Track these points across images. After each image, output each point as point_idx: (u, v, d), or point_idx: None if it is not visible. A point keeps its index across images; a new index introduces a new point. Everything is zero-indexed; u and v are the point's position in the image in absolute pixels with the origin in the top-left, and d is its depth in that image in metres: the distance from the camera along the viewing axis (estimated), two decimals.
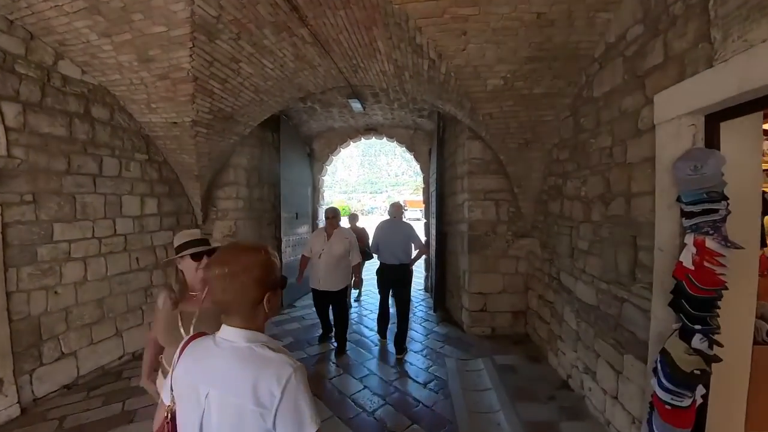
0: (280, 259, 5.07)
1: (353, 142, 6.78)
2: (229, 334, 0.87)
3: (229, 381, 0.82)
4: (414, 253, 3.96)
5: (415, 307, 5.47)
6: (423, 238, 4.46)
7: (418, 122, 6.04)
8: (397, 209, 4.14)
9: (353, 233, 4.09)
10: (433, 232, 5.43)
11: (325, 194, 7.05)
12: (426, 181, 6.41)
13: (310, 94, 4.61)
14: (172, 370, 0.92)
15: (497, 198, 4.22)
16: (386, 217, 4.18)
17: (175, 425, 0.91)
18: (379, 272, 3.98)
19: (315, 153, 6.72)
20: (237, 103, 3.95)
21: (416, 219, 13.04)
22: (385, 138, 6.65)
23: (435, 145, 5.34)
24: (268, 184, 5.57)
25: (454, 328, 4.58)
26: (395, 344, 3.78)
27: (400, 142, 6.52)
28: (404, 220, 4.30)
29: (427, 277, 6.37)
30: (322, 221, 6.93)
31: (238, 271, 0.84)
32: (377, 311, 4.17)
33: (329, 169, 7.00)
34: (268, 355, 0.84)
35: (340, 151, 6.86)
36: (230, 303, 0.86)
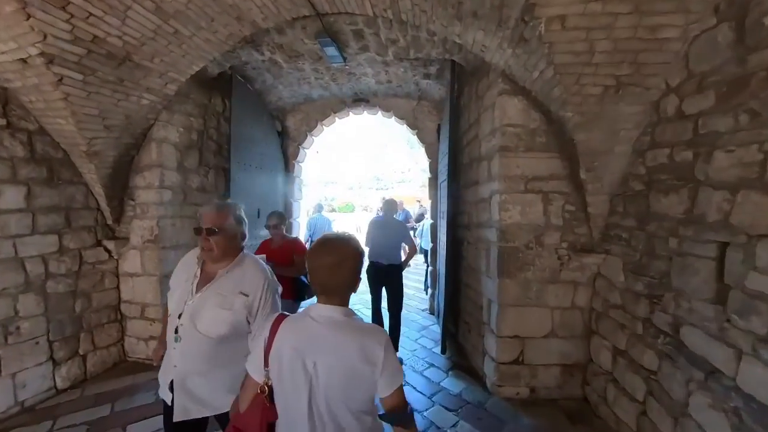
0: None
1: (339, 117, 5.24)
2: (327, 310, 1.03)
3: (338, 348, 0.98)
4: (404, 255, 3.74)
5: (416, 341, 3.94)
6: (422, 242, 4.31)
7: (422, 87, 4.48)
8: (391, 206, 3.79)
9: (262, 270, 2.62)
10: (442, 238, 3.89)
11: (303, 186, 5.53)
12: (433, 169, 4.85)
13: (262, 32, 3.08)
14: (267, 351, 1.02)
15: (547, 189, 2.66)
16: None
17: (272, 399, 1.02)
18: (369, 272, 3.59)
19: (289, 131, 5.19)
20: (130, 33, 2.44)
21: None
22: (379, 112, 5.09)
23: (447, 115, 3.77)
24: (216, 168, 4.06)
25: (472, 385, 3.05)
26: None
27: (400, 117, 4.96)
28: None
29: (432, 295, 4.84)
30: (298, 220, 5.42)
31: (343, 260, 1.02)
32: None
33: (308, 153, 5.47)
34: (363, 324, 1.05)
35: (322, 129, 5.32)
36: (335, 287, 1.03)
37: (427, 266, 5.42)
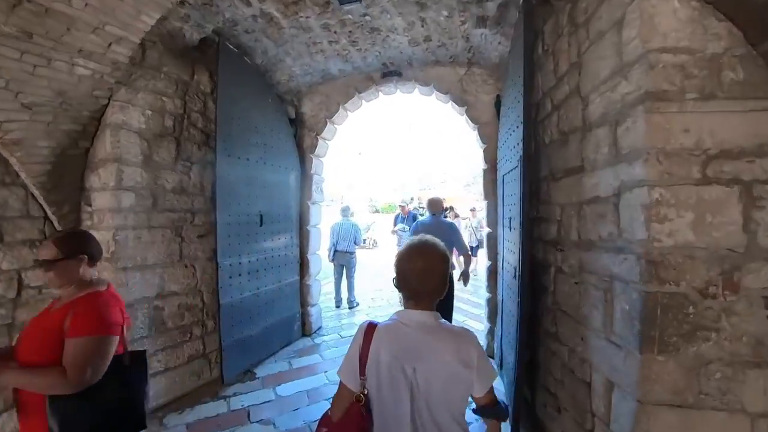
0: (218, 301, 2.67)
1: (365, 98, 4.14)
2: (418, 315, 1.03)
3: (435, 353, 0.98)
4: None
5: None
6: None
7: (474, 44, 3.21)
8: (436, 205, 3.43)
9: None
10: (509, 256, 2.60)
11: (324, 183, 4.50)
12: (490, 157, 3.55)
13: None
14: (363, 359, 1.02)
15: (750, 177, 1.29)
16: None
17: (369, 408, 1.00)
18: None
19: (305, 119, 4.20)
20: None
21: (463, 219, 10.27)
22: (416, 87, 3.91)
23: (517, 72, 2.47)
24: (203, 164, 3.15)
25: None
26: None
27: (443, 91, 3.73)
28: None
29: (491, 331, 3.53)
30: (317, 226, 4.40)
31: (433, 265, 1.02)
32: None
33: (329, 145, 4.43)
34: (454, 328, 1.07)
35: (346, 115, 4.26)
36: (426, 291, 1.03)
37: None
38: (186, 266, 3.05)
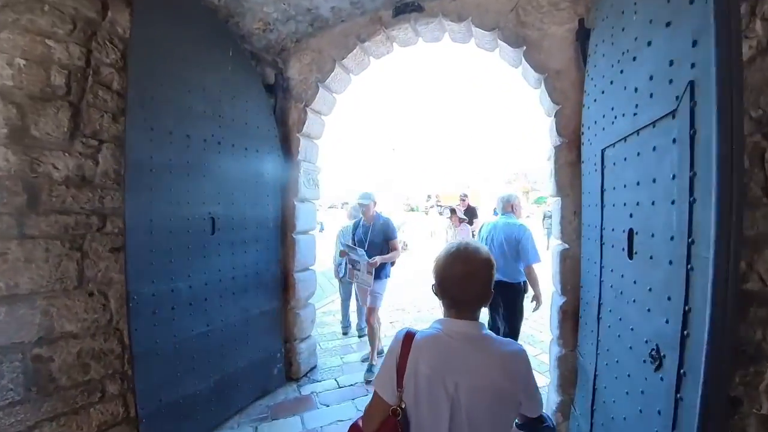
0: (131, 350, 1.79)
1: (373, 53, 2.93)
2: (461, 326, 0.95)
3: (479, 366, 0.90)
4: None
5: None
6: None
7: None
8: (506, 204, 2.90)
9: None
10: (635, 313, 1.25)
11: (319, 176, 3.34)
12: (566, 126, 2.15)
13: None
14: (401, 371, 0.95)
15: None
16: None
17: (406, 423, 0.94)
18: None
19: (291, 86, 3.06)
20: None
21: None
22: (445, 27, 2.62)
23: None
24: (118, 143, 2.11)
25: None
26: None
27: (486, 25, 2.40)
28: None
29: (563, 406, 2.15)
30: (308, 234, 3.26)
31: (475, 271, 0.94)
32: None
33: (325, 122, 3.26)
34: (499, 339, 0.96)
35: (348, 78, 3.09)
36: (467, 299, 0.96)
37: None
38: (91, 294, 2.03)
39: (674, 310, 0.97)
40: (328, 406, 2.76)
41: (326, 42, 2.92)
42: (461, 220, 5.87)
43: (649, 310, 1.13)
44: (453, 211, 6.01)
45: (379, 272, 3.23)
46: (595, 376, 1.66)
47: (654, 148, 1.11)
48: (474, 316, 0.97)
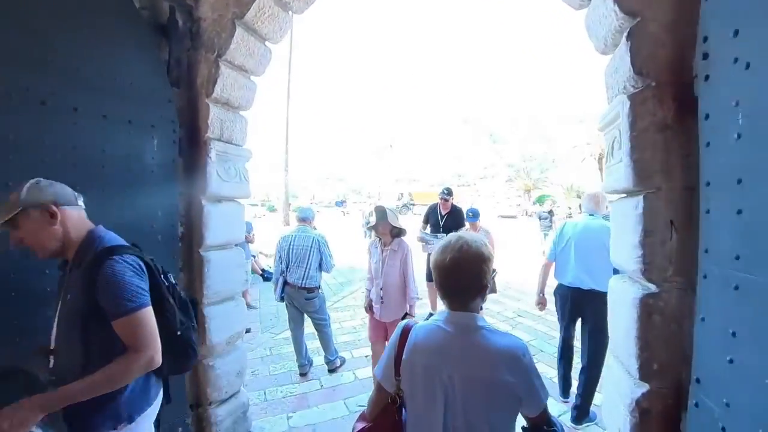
0: None
1: None
2: (457, 317, 0.95)
3: (474, 359, 0.90)
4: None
5: None
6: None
7: None
8: (594, 201, 2.68)
9: None
10: None
11: (247, 165, 2.31)
12: (663, 45, 1.10)
13: None
14: (398, 359, 0.97)
15: None
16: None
17: (401, 410, 0.98)
18: (558, 299, 2.73)
19: (201, 30, 2.04)
20: None
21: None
22: None
23: None
24: None
25: None
26: (574, 407, 2.51)
27: None
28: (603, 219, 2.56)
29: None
30: (226, 249, 2.24)
31: (462, 260, 0.93)
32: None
33: (257, 86, 2.23)
34: (499, 333, 0.94)
35: (286, 15, 2.06)
36: (456, 289, 0.96)
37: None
38: None
39: None
40: None
41: None
42: (392, 235, 2.79)
43: None
44: (374, 228, 2.76)
45: None
46: None
47: None
48: (469, 308, 0.96)
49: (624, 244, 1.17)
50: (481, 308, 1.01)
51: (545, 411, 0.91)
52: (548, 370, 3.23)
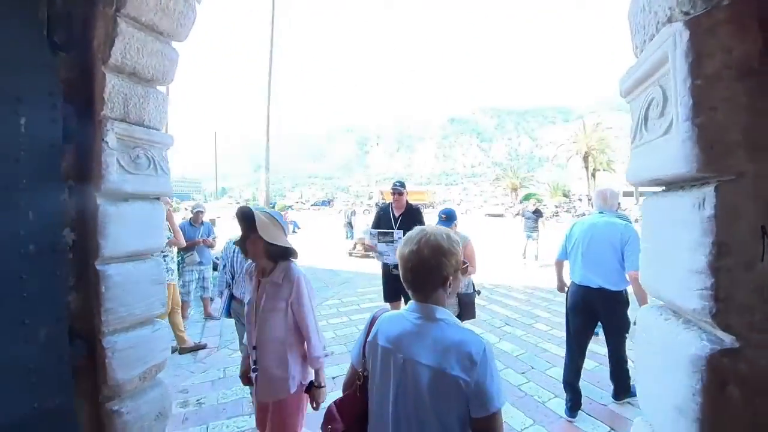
0: None
1: None
2: (417, 308, 0.99)
3: (426, 348, 0.92)
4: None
5: None
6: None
7: None
8: (602, 198, 2.66)
9: None
10: None
11: (169, 150, 1.86)
12: None
13: None
14: (366, 340, 1.07)
15: None
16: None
17: (365, 388, 1.06)
18: (569, 299, 2.65)
19: None
20: None
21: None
22: None
23: None
24: None
25: None
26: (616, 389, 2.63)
27: None
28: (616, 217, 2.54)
29: None
30: (129, 258, 1.75)
31: (422, 253, 0.95)
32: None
33: (177, 49, 1.76)
34: (458, 327, 0.95)
35: None
36: (417, 282, 0.98)
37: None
38: None
39: None
40: None
41: None
42: (270, 258, 1.81)
43: None
44: (243, 240, 1.79)
45: None
46: None
47: None
48: (430, 299, 0.98)
49: (673, 267, 0.75)
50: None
51: (493, 418, 0.88)
52: (540, 393, 2.84)
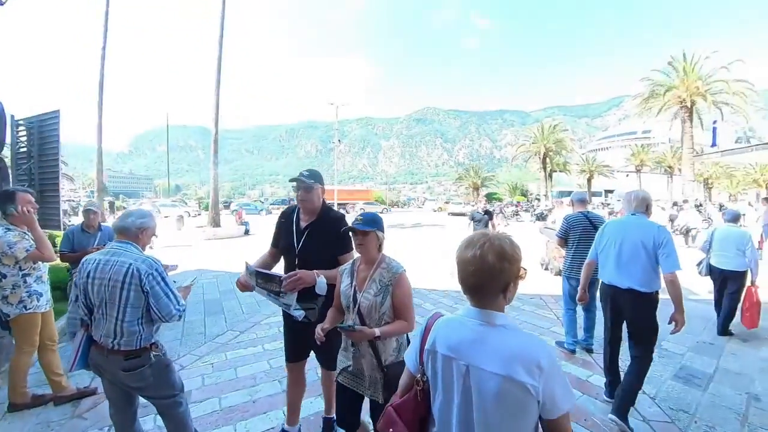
0: None
1: None
2: (476, 313, 0.98)
3: (490, 354, 0.91)
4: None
5: None
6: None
7: None
8: (643, 202, 2.62)
9: None
10: None
11: None
12: None
13: None
14: (422, 346, 1.05)
15: None
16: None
17: (425, 393, 1.05)
18: (601, 299, 2.74)
19: None
20: None
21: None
22: None
23: None
24: None
25: None
26: (614, 406, 2.48)
27: None
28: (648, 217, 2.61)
29: None
30: None
31: (483, 257, 0.93)
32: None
33: None
34: (521, 334, 0.95)
35: None
36: (477, 286, 0.97)
37: None
38: None
39: None
40: None
41: None
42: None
43: None
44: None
45: None
46: None
47: None
48: (489, 305, 0.98)
49: None
50: None
51: (565, 418, 0.91)
52: None
